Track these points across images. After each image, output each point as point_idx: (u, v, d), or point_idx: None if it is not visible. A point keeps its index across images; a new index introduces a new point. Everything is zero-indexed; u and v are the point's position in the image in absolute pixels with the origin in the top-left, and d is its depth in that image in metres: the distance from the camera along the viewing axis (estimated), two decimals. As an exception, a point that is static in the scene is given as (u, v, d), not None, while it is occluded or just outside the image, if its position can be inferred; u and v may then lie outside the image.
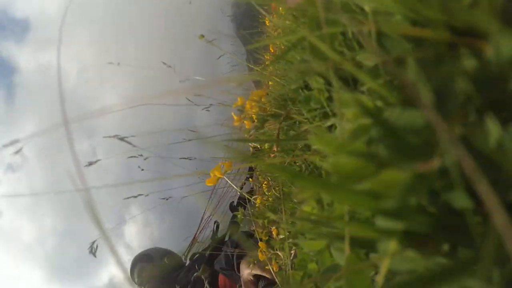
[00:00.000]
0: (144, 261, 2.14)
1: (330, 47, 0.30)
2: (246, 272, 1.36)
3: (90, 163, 0.71)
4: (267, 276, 1.29)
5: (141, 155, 0.65)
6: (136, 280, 2.13)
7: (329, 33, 0.31)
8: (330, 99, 0.67)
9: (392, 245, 0.18)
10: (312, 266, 0.67)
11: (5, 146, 0.29)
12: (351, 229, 0.20)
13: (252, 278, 1.35)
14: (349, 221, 0.25)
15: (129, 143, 0.69)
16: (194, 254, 1.96)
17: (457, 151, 0.13)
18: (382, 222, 0.18)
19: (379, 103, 0.26)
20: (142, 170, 0.72)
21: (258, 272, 1.32)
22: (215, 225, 1.80)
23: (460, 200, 0.20)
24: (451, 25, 0.21)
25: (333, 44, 0.34)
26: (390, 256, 0.18)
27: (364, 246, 0.26)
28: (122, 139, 0.63)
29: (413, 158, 0.18)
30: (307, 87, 0.80)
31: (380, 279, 0.18)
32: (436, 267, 0.21)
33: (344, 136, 0.20)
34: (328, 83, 0.68)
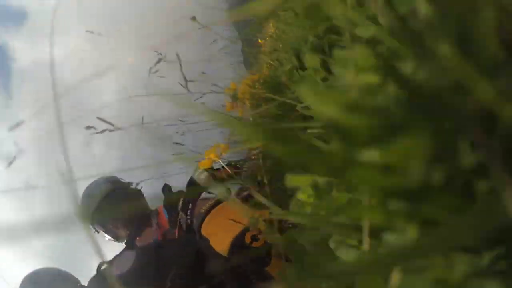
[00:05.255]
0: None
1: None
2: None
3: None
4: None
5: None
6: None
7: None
8: (325, 79, 0.62)
9: (411, 231, 0.14)
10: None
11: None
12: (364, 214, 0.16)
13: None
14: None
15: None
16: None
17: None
18: (395, 206, 0.13)
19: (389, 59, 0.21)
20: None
21: None
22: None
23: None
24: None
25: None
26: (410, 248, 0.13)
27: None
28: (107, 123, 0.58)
29: (438, 119, 0.13)
30: (301, 68, 0.75)
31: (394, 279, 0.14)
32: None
33: (347, 91, 0.15)
34: (324, 63, 0.63)
